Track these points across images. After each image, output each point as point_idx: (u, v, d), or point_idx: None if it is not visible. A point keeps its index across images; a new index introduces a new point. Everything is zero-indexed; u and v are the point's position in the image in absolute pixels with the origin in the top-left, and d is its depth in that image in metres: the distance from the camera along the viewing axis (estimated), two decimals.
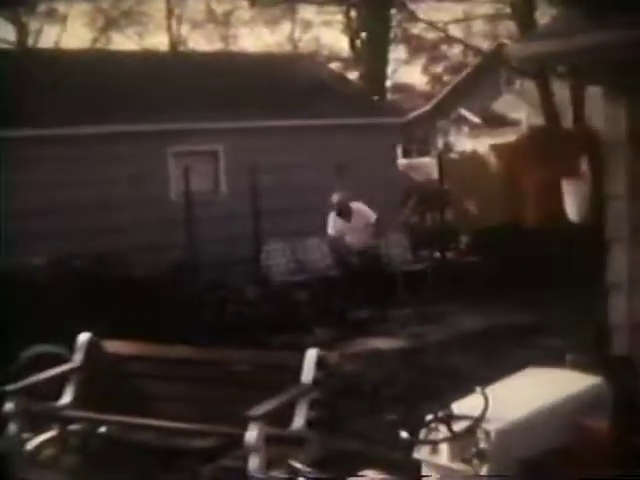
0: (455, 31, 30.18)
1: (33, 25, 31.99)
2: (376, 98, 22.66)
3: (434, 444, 4.99)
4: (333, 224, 13.47)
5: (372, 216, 13.48)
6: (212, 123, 16.00)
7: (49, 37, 32.62)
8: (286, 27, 36.98)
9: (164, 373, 7.70)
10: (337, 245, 13.48)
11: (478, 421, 4.84)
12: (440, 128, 34.41)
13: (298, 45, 36.57)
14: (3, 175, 13.72)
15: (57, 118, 14.75)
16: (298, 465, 4.35)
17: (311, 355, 7.04)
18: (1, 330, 9.10)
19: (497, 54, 27.31)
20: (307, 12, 34.65)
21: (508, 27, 26.39)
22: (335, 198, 13.48)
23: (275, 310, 10.98)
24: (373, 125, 18.35)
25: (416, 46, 33.37)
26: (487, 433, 4.87)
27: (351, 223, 13.43)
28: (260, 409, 6.42)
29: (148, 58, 22.67)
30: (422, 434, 5.10)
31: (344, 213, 13.39)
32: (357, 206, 13.52)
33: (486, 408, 4.87)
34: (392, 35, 28.35)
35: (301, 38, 37.26)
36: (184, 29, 35.68)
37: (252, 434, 6.31)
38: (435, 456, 5.07)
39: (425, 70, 34.67)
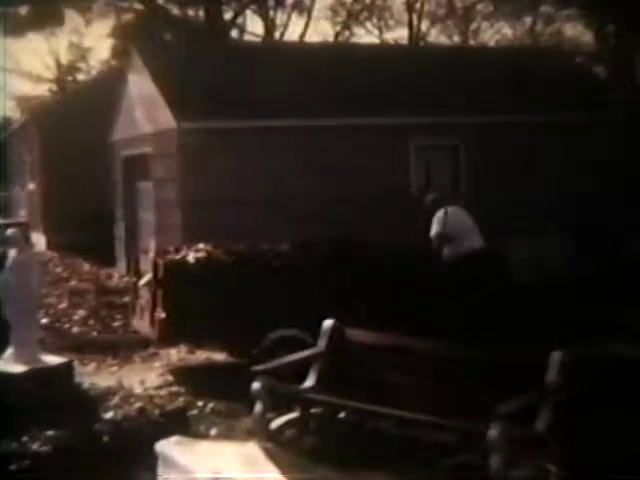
0: None
1: (280, 19, 33.19)
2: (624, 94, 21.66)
3: None
4: None
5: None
6: (454, 117, 15.91)
7: (294, 30, 33.79)
8: (527, 20, 36.24)
9: (403, 364, 7.76)
10: None
11: None
12: None
13: (539, 39, 35.68)
14: (253, 163, 14.30)
15: (301, 110, 15.15)
16: (553, 468, 4.25)
17: (556, 357, 6.85)
18: (248, 313, 9.43)
19: None
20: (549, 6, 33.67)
21: None
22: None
23: (516, 308, 10.70)
24: (619, 121, 17.57)
25: None
26: None
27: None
28: (505, 407, 6.32)
29: (390, 52, 22.91)
30: None
31: None
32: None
33: None
34: None
35: (543, 32, 36.34)
36: (424, 24, 35.81)
37: (495, 432, 6.23)
38: None
39: None
